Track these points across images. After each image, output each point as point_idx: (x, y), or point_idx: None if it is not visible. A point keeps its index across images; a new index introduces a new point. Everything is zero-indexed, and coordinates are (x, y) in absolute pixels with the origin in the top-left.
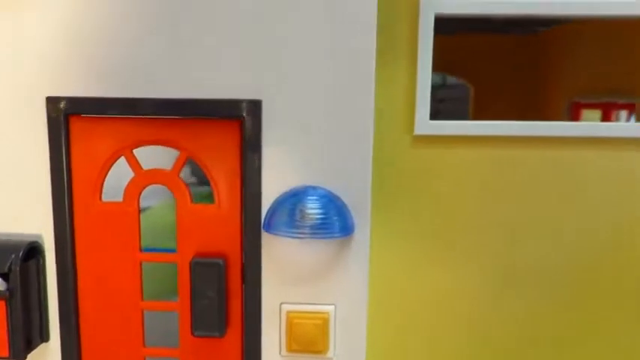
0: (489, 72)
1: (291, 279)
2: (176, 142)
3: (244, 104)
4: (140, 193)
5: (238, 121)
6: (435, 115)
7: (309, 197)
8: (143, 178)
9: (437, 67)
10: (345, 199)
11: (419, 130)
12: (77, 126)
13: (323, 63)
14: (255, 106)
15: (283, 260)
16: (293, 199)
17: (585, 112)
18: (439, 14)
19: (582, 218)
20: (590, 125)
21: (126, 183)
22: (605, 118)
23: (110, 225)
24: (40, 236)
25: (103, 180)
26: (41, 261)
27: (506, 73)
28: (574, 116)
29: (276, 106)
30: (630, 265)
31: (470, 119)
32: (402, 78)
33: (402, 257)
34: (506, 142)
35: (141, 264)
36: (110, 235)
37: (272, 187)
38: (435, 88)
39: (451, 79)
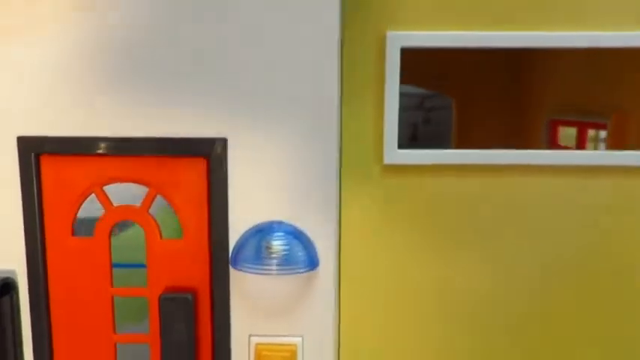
0: (472, 86)
1: (260, 312)
2: (145, 179)
3: (211, 142)
4: (111, 230)
5: (205, 158)
6: (426, 122)
7: (274, 233)
8: (113, 214)
9: (420, 80)
10: (310, 234)
11: (388, 159)
12: (48, 164)
13: (287, 102)
14: (222, 144)
15: (252, 294)
16: (259, 234)
17: (562, 129)
18: (405, 47)
19: (546, 246)
20: (561, 154)
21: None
22: (580, 135)
23: (82, 260)
24: (13, 272)
25: (75, 216)
26: (15, 297)
27: (488, 88)
28: (552, 133)
29: (242, 144)
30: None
31: (454, 130)
32: (371, 107)
33: (373, 286)
34: (478, 170)
35: (112, 298)
36: (82, 270)
37: (239, 223)
38: (423, 97)
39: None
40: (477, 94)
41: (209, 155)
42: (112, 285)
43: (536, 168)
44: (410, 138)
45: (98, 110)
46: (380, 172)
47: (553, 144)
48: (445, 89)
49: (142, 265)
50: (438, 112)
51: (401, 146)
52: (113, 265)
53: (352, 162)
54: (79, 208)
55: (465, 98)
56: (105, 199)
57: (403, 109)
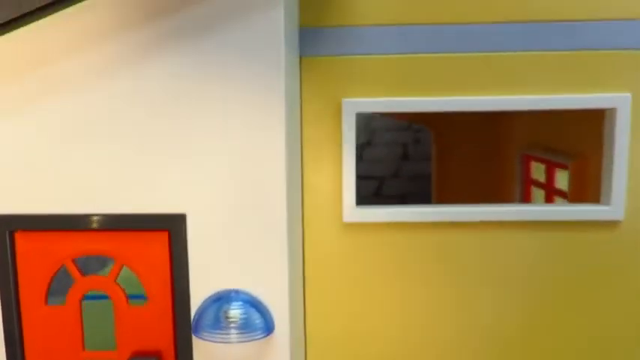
0: (449, 120)
1: None
2: (111, 252)
3: (171, 218)
4: (81, 298)
5: (167, 232)
6: (416, 142)
7: (232, 302)
8: (83, 284)
9: (400, 114)
10: (266, 300)
11: (347, 217)
12: (22, 240)
13: (240, 176)
14: (180, 219)
15: (215, 356)
16: (217, 303)
17: (533, 164)
18: (359, 112)
19: (499, 297)
20: (514, 210)
21: None
22: (549, 172)
23: (55, 326)
24: None
25: (48, 286)
26: None
27: (464, 120)
28: (525, 166)
29: (199, 218)
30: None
31: (433, 160)
32: (330, 167)
33: (339, 340)
34: (436, 226)
35: None
36: (56, 336)
37: (199, 291)
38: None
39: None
40: (455, 127)
41: (170, 230)
42: (83, 349)
43: (489, 223)
44: (401, 157)
45: (68, 188)
46: (340, 229)
47: (526, 176)
48: (424, 123)
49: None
50: (427, 133)
51: (361, 203)
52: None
53: (313, 221)
54: (52, 279)
55: (442, 131)
56: (75, 271)
57: (393, 129)
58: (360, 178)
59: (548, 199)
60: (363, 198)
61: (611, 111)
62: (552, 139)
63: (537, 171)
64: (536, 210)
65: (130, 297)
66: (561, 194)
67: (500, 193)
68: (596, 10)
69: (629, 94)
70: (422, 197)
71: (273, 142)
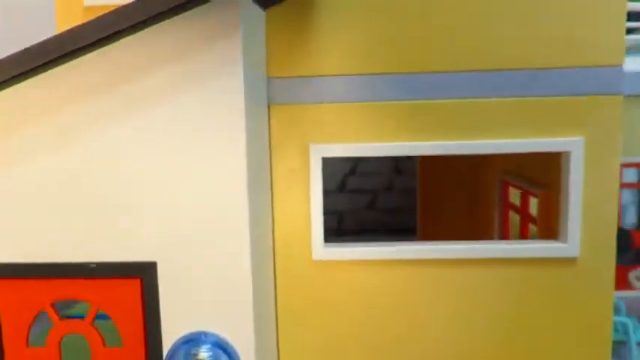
0: None
1: None
2: (88, 297)
3: (142, 266)
4: (60, 340)
5: (139, 279)
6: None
7: (201, 344)
8: (62, 327)
9: None
10: (234, 341)
11: (316, 256)
12: (4, 287)
13: (205, 222)
14: (151, 266)
15: None
16: (186, 345)
17: (511, 189)
18: (325, 157)
19: (461, 332)
20: (474, 247)
21: None
22: (523, 198)
23: None
24: None
25: (29, 329)
26: None
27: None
28: (503, 191)
29: (169, 264)
30: None
31: (418, 184)
32: (299, 208)
33: None
34: (403, 263)
35: None
36: None
37: (170, 333)
38: None
39: None
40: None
41: (141, 277)
42: None
43: (450, 261)
44: (394, 171)
45: (47, 239)
46: (310, 267)
47: (505, 201)
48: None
49: None
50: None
51: (357, 215)
52: None
53: (285, 260)
54: (33, 322)
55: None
56: (54, 315)
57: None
58: (353, 192)
59: (523, 224)
60: (358, 210)
61: (566, 154)
62: (525, 169)
63: (515, 196)
64: (495, 248)
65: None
66: (534, 221)
67: (481, 214)
68: (552, 60)
69: (582, 138)
70: (415, 211)
71: (236, 187)
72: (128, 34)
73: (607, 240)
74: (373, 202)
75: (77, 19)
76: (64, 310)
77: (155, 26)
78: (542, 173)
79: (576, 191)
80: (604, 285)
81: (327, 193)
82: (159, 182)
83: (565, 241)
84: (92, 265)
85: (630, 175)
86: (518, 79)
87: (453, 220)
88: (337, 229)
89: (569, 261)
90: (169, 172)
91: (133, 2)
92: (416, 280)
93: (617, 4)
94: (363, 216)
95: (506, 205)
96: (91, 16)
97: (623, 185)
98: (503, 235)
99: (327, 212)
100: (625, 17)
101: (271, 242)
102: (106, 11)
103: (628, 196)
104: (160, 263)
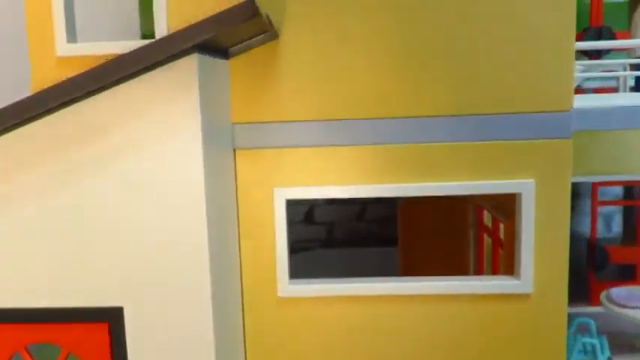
0: None
1: None
2: (59, 340)
3: (109, 311)
4: None
5: (107, 323)
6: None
7: None
8: None
9: None
10: None
11: (281, 292)
12: None
13: (168, 268)
14: (118, 311)
15: None
16: None
17: (485, 213)
18: (289, 199)
19: None
20: (434, 284)
21: None
22: (494, 223)
23: None
24: None
25: None
26: None
27: None
28: (478, 215)
29: (135, 309)
30: None
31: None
32: (266, 246)
33: None
34: (362, 300)
35: None
36: None
37: None
38: None
39: None
40: None
41: (109, 321)
42: None
43: (411, 296)
44: (375, 200)
45: (19, 285)
46: (276, 304)
47: (479, 224)
48: None
49: None
50: None
51: (348, 226)
52: None
53: (252, 296)
54: None
55: None
56: (27, 358)
57: None
58: (343, 203)
59: (494, 249)
60: (347, 221)
61: (518, 195)
62: (494, 196)
63: (488, 219)
64: (453, 284)
65: None
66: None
67: (459, 234)
68: (504, 106)
69: (532, 180)
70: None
71: (196, 231)
72: (95, 94)
73: (559, 277)
74: (362, 213)
75: (51, 68)
76: (37, 352)
77: (119, 86)
78: (510, 202)
79: (528, 231)
80: (557, 321)
81: (317, 205)
82: (123, 230)
83: (519, 277)
84: (64, 310)
85: (615, 192)
86: (473, 124)
87: (433, 243)
88: (327, 240)
89: (523, 297)
90: (133, 220)
91: (98, 66)
92: (377, 316)
93: (566, 54)
94: (353, 227)
95: (481, 228)
96: (64, 66)
97: (608, 202)
98: (479, 256)
99: (318, 223)
100: (573, 66)
101: (239, 281)
102: (79, 61)
103: (610, 211)
104: (127, 308)
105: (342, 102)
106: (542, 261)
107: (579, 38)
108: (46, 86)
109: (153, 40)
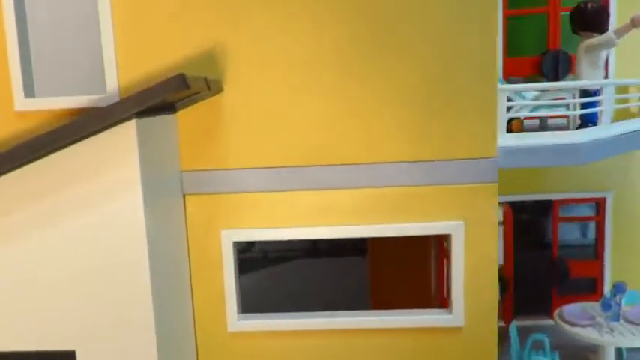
0: None
1: None
2: None
3: (60, 354)
4: None
5: None
6: None
7: None
8: None
9: None
10: None
11: (231, 327)
12: None
13: (115, 314)
14: (70, 355)
15: None
16: None
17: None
18: (236, 241)
19: None
20: (367, 319)
21: None
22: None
23: None
24: None
25: None
26: None
27: None
28: (439, 238)
29: (85, 351)
30: None
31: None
32: (216, 285)
33: None
34: (309, 334)
35: None
36: None
37: None
38: None
39: None
40: None
41: None
42: None
43: (345, 331)
44: None
45: None
46: (227, 338)
47: (440, 246)
48: None
49: None
50: None
51: (245, 311)
52: None
53: (204, 333)
54: None
55: None
56: None
57: None
58: None
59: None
60: None
61: (449, 236)
62: None
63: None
64: (388, 319)
65: None
66: None
67: (422, 254)
68: (433, 153)
69: (462, 222)
70: None
71: (139, 278)
72: (41, 158)
73: (489, 311)
74: None
75: (9, 123)
76: None
77: (65, 149)
78: None
79: (458, 268)
80: (487, 353)
81: None
82: (72, 277)
83: (451, 311)
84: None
85: (586, 210)
86: (404, 170)
87: (398, 254)
88: (312, 250)
89: (455, 330)
90: (82, 267)
91: (36, 137)
92: (320, 348)
93: (489, 106)
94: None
95: (441, 249)
96: (22, 120)
97: (569, 219)
98: (440, 273)
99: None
100: (496, 116)
101: (191, 319)
102: (36, 116)
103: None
104: (78, 352)
105: (284, 150)
106: (472, 296)
107: (538, 61)
108: (6, 140)
109: (93, 108)
